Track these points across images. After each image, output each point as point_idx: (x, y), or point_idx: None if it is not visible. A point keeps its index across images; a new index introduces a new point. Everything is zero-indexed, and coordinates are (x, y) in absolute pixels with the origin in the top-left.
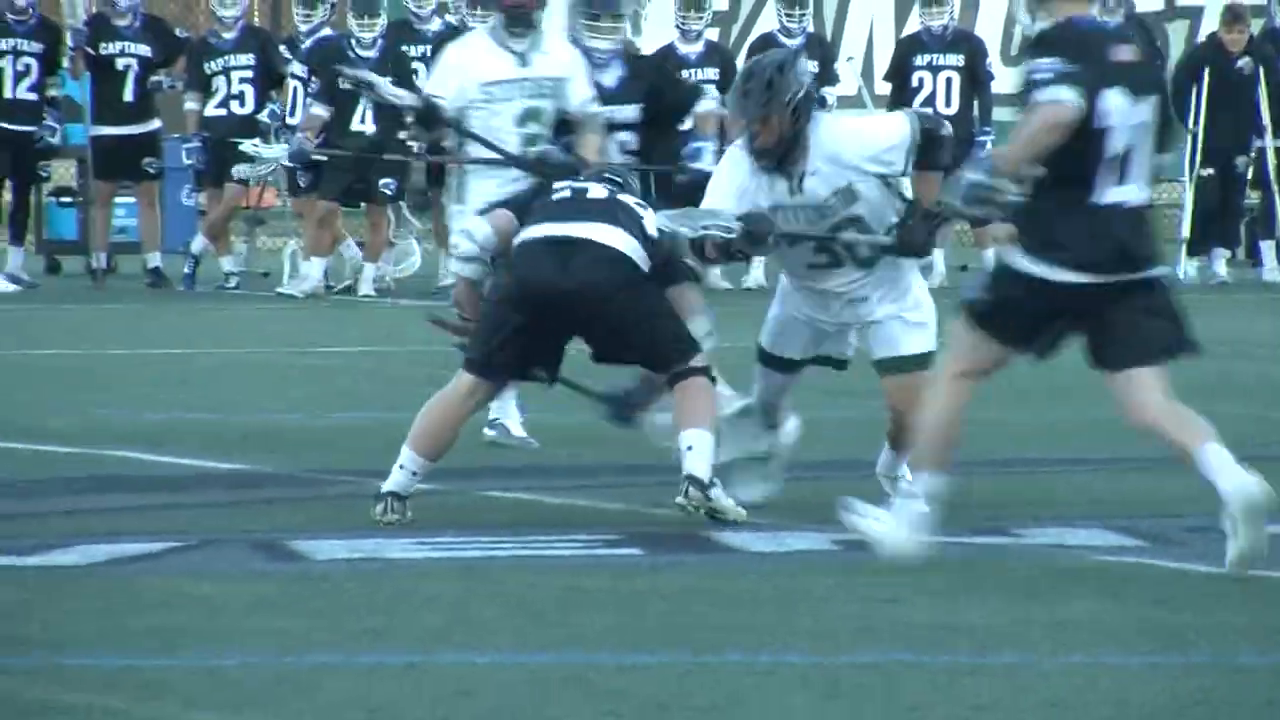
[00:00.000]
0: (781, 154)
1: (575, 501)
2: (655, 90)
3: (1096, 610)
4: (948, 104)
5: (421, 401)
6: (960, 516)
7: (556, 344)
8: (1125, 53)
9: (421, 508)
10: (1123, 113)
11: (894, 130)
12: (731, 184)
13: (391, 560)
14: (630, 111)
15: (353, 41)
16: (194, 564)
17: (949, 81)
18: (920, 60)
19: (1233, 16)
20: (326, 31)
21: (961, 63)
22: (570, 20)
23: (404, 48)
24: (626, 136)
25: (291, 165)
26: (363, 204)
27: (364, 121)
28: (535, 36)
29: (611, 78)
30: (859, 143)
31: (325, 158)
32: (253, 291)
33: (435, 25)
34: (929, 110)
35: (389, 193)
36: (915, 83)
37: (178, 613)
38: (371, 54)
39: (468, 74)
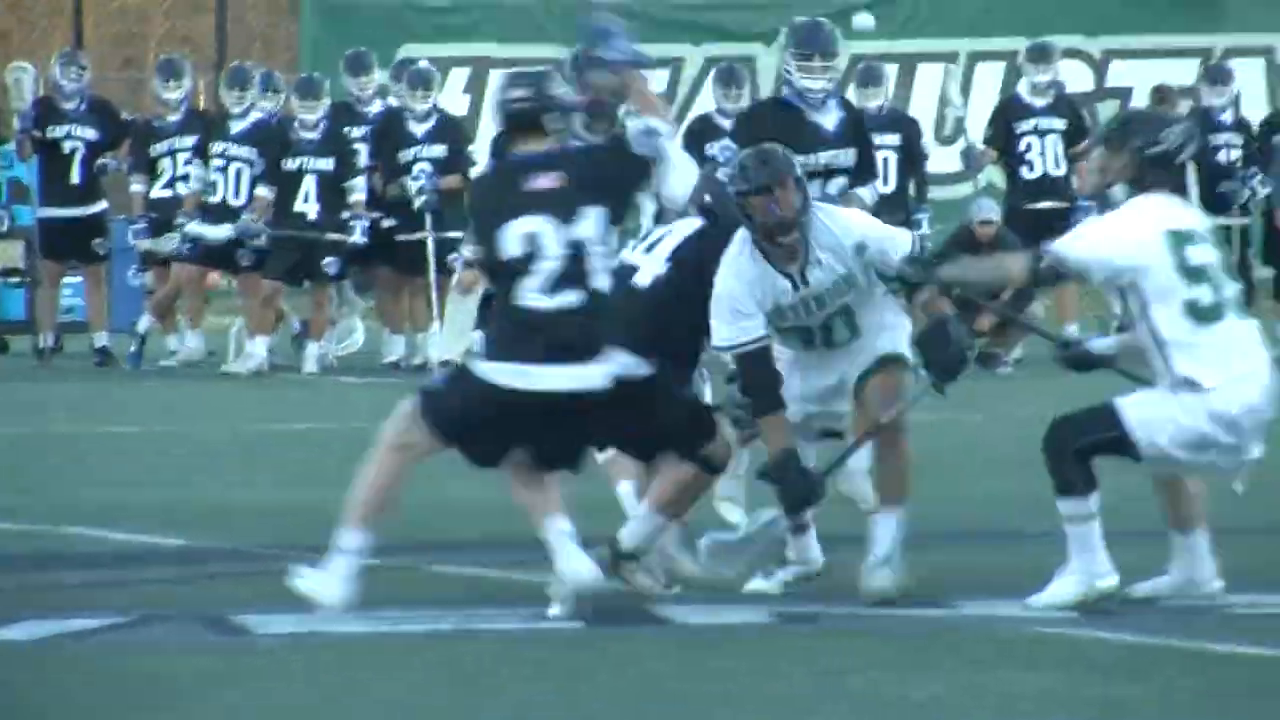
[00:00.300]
0: (792, 229)
1: (518, 576)
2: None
3: (1039, 681)
4: (885, 183)
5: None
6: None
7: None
8: (544, 181)
9: (366, 583)
10: (540, 234)
11: (899, 234)
12: (750, 297)
13: (337, 635)
14: (850, 156)
15: (296, 123)
16: (141, 639)
17: (885, 161)
18: None
19: (1161, 97)
20: (257, 115)
21: (898, 142)
22: (782, 62)
23: (346, 129)
24: (842, 182)
25: (238, 243)
26: (306, 282)
27: (307, 201)
28: (618, 129)
29: (832, 120)
30: (864, 233)
31: (269, 237)
32: (199, 370)
33: (376, 107)
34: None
35: (332, 271)
36: None
37: (125, 688)
38: (314, 135)
39: None
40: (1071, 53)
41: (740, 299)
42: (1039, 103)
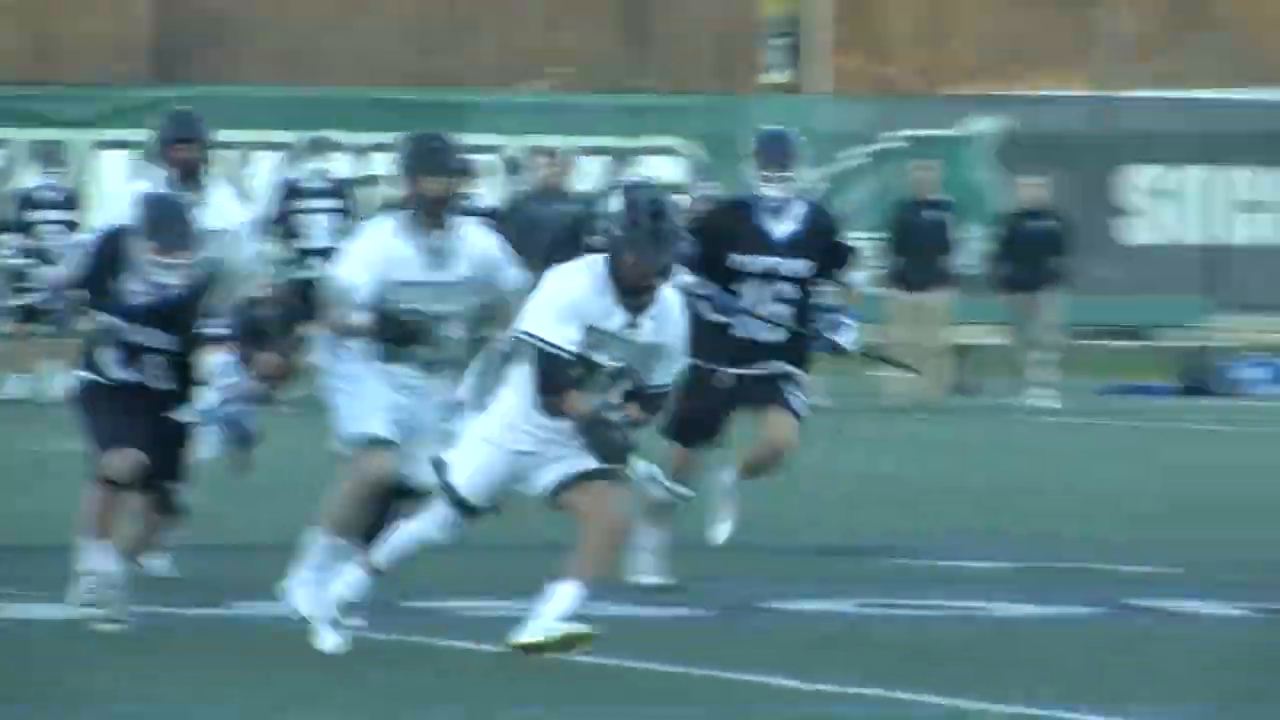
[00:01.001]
0: (644, 294)
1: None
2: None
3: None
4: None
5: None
6: (178, 590)
7: None
8: None
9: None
10: None
11: (679, 362)
12: (569, 298)
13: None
14: (798, 267)
15: None
16: None
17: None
18: None
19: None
20: None
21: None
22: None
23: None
24: (784, 288)
25: None
26: None
27: None
28: (450, 229)
29: (785, 228)
30: (682, 319)
31: None
32: None
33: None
34: None
35: None
36: None
37: None
38: None
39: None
40: (336, 145)
41: (572, 304)
42: (313, 185)
